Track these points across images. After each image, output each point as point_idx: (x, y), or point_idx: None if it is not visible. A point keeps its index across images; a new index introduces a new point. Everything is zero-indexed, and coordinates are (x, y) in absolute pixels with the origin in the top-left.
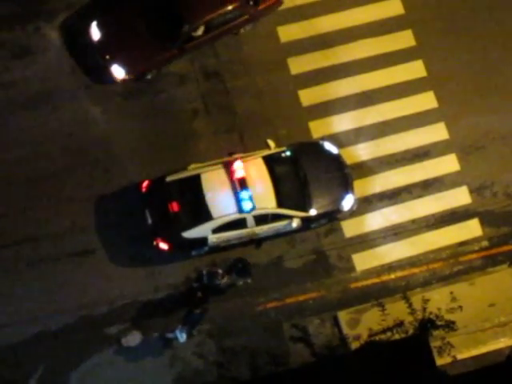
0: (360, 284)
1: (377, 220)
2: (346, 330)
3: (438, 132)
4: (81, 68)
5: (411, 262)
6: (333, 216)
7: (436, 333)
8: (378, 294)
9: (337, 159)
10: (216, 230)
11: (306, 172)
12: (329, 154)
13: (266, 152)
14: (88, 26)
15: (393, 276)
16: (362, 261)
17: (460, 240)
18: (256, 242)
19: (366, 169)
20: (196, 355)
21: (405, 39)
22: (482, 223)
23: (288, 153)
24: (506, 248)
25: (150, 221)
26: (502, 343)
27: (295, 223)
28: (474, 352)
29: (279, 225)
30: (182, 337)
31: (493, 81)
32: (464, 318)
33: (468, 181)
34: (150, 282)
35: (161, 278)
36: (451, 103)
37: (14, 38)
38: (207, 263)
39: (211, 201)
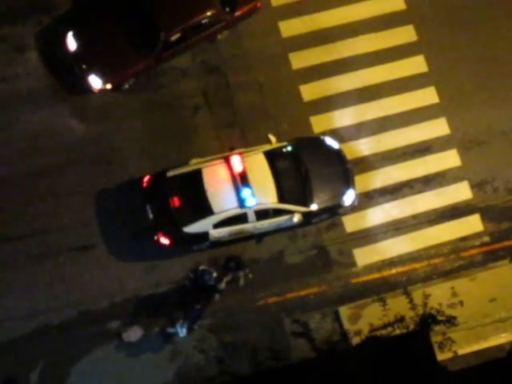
0: (361, 279)
1: (378, 215)
2: (346, 325)
3: (439, 127)
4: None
5: (412, 257)
6: (334, 211)
7: (437, 328)
8: (378, 289)
9: (338, 154)
10: (217, 225)
11: (307, 167)
12: (330, 148)
13: (267, 147)
14: (64, 36)
15: (394, 271)
16: (363, 256)
17: (461, 235)
18: (257, 237)
19: (367, 164)
20: (197, 350)
21: (406, 34)
22: (483, 218)
23: (289, 148)
24: (507, 243)
25: (150, 216)
26: (502, 338)
27: (296, 218)
28: (475, 347)
29: (280, 220)
30: (183, 331)
31: (494, 76)
32: (465, 314)
33: (469, 176)
34: (151, 277)
35: (162, 273)
36: (452, 98)
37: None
38: (208, 258)
39: (212, 196)
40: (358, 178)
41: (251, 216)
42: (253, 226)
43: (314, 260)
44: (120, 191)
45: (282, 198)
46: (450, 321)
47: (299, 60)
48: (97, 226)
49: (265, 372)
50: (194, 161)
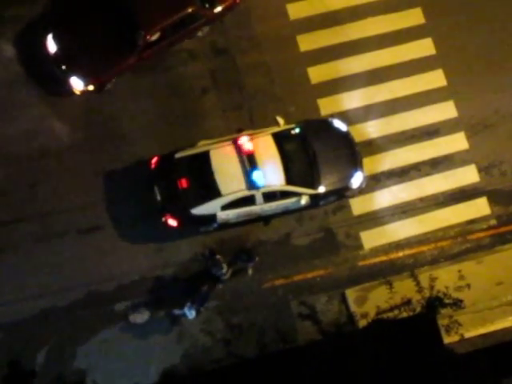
0: (368, 262)
1: (385, 198)
2: (353, 307)
3: (446, 110)
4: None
5: (419, 240)
6: (341, 193)
7: (444, 311)
8: (385, 271)
9: (346, 137)
10: (225, 207)
11: (314, 149)
12: (338, 131)
13: (275, 129)
14: (44, 38)
15: (401, 254)
16: (370, 238)
17: (468, 218)
18: (264, 219)
19: (374, 146)
20: (204, 332)
21: (414, 17)
22: (491, 202)
23: (297, 130)
24: None
25: (158, 197)
26: (509, 321)
27: (304, 200)
28: (482, 330)
29: (288, 202)
30: (191, 314)
31: (502, 59)
32: (472, 297)
33: (476, 159)
34: (159, 259)
35: (169, 255)
36: (460, 81)
37: None
38: (215, 240)
39: (220, 177)
40: (365, 161)
41: (259, 198)
42: (260, 208)
43: (321, 242)
44: (128, 173)
45: (289, 180)
46: (457, 304)
47: (307, 42)
48: (105, 207)
49: (271, 354)
50: (202, 142)
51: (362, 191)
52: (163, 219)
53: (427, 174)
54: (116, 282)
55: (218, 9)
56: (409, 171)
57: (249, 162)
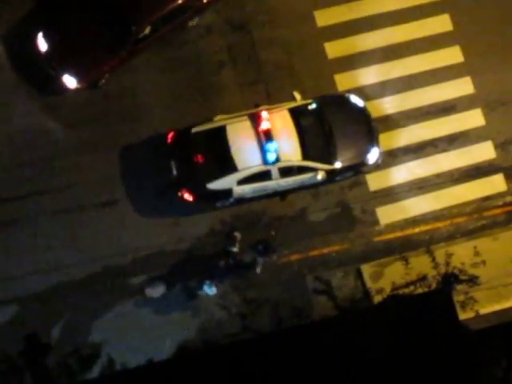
0: (384, 237)
1: (401, 174)
2: (369, 283)
3: (463, 86)
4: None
5: (435, 216)
6: (358, 169)
7: (459, 287)
8: (401, 247)
9: (362, 112)
10: (241, 182)
11: (331, 125)
12: (354, 106)
13: (292, 104)
14: (34, 37)
15: (417, 230)
16: (386, 214)
17: (484, 195)
18: (281, 194)
19: (391, 122)
20: (219, 306)
21: None
22: (507, 178)
23: (314, 105)
24: None
25: (175, 172)
26: None
27: (320, 176)
28: (497, 307)
29: (304, 177)
30: (212, 290)
31: None
32: (487, 273)
33: (493, 136)
34: (174, 233)
35: (185, 229)
36: (477, 58)
37: None
38: (231, 214)
39: (236, 152)
40: (382, 137)
41: (275, 173)
42: (276, 183)
43: (337, 218)
44: (144, 147)
45: (306, 156)
46: (473, 280)
47: (324, 17)
48: (121, 181)
49: (287, 329)
50: (218, 117)
51: (378, 167)
52: (179, 194)
53: (443, 150)
54: (132, 256)
55: None
56: (425, 147)
57: (265, 136)
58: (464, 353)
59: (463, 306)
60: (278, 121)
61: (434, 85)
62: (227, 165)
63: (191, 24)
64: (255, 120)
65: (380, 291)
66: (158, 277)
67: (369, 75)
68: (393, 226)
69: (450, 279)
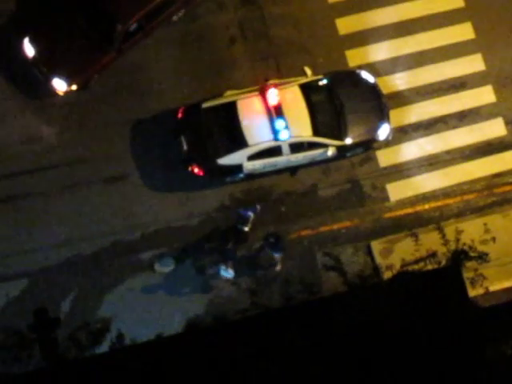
0: (394, 214)
1: (412, 150)
2: (378, 259)
3: (474, 63)
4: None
5: (445, 192)
6: (368, 145)
7: (469, 264)
8: (411, 224)
9: (373, 88)
10: (251, 157)
11: (342, 101)
12: (365, 83)
13: (303, 80)
14: (20, 42)
15: (427, 206)
16: (396, 191)
17: (495, 172)
18: (291, 169)
19: (402, 98)
20: (229, 282)
21: None
22: None
23: (324, 81)
24: None
25: (185, 147)
26: None
27: (330, 152)
28: (507, 284)
29: (314, 153)
30: (230, 273)
31: None
32: (497, 250)
33: (504, 113)
34: (184, 208)
35: (195, 205)
36: (488, 34)
37: None
38: (241, 190)
39: (247, 128)
40: (392, 113)
41: (285, 149)
42: (287, 158)
43: (347, 194)
44: (155, 122)
45: (316, 132)
46: (482, 257)
47: None
48: (131, 156)
49: (296, 305)
50: (229, 92)
51: (388, 143)
52: (189, 169)
53: (454, 127)
54: (142, 231)
55: None
56: (435, 124)
57: (276, 112)
58: (473, 330)
59: (473, 282)
60: (289, 97)
61: (445, 61)
62: (237, 140)
63: (175, 18)
64: (266, 96)
65: (390, 267)
66: (167, 252)
67: (380, 51)
68: (403, 203)
69: (459, 256)
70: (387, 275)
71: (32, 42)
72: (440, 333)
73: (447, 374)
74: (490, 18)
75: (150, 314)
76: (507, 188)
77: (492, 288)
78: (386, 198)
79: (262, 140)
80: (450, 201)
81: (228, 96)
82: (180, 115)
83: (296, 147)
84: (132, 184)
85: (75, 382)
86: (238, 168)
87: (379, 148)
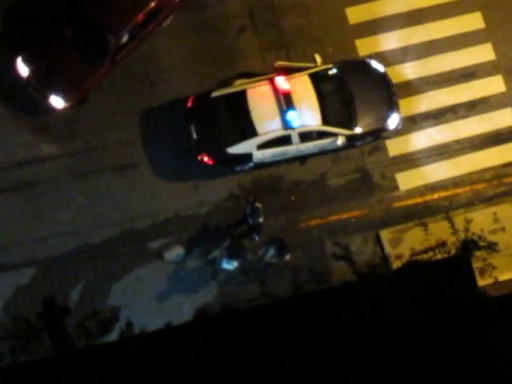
0: (403, 203)
1: (421, 139)
2: (387, 248)
3: (484, 53)
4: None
5: (455, 182)
6: (378, 134)
7: (478, 254)
8: (420, 213)
9: (383, 77)
10: (261, 146)
11: (351, 90)
12: (375, 72)
13: (312, 69)
14: (13, 62)
15: (436, 196)
16: (406, 180)
17: (504, 161)
18: (300, 158)
19: (411, 88)
20: (237, 271)
21: None
22: None
23: (334, 70)
24: None
25: (194, 136)
26: None
27: (340, 141)
28: None
29: (324, 142)
30: (232, 265)
31: None
32: (506, 240)
33: None
34: (194, 197)
35: (204, 193)
36: (499, 24)
37: None
38: (251, 179)
39: (256, 117)
40: (402, 102)
41: (295, 138)
42: (296, 148)
43: (357, 183)
44: (164, 111)
45: (326, 121)
46: (492, 247)
47: None
48: (140, 145)
49: (305, 294)
50: (238, 81)
51: (398, 132)
52: (199, 157)
53: (463, 117)
54: (151, 220)
55: None
56: (445, 113)
57: (285, 101)
58: (482, 319)
59: (482, 272)
60: (299, 86)
61: (455, 51)
62: (247, 129)
63: (165, 24)
64: (275, 85)
65: (399, 257)
66: (176, 241)
67: (390, 40)
68: (412, 192)
69: (469, 245)
70: (396, 265)
71: (25, 61)
72: (449, 322)
73: (456, 363)
74: (500, 8)
75: (159, 302)
76: None
77: (501, 278)
78: (396, 188)
79: (271, 129)
80: (459, 190)
81: (238, 85)
82: (190, 104)
83: (305, 136)
84: (141, 173)
85: (84, 370)
86: (248, 157)
87: (389, 137)
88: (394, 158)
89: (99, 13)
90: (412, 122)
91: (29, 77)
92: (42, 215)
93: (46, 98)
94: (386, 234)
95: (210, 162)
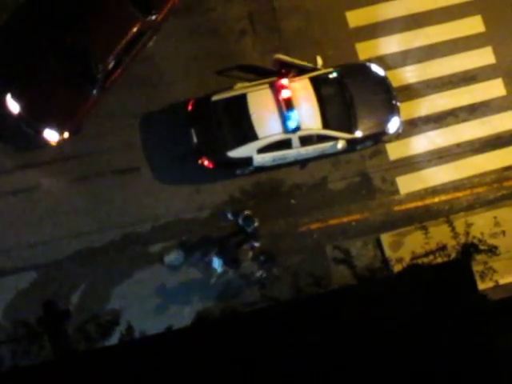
0: (403, 207)
1: (422, 143)
2: (388, 252)
3: (484, 56)
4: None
5: (455, 185)
6: (378, 138)
7: (478, 257)
8: (421, 217)
9: (383, 81)
10: (261, 150)
11: (352, 93)
12: (375, 75)
13: (313, 73)
14: (2, 100)
15: (436, 199)
16: (406, 184)
17: (505, 165)
18: (301, 162)
19: (412, 91)
20: (238, 275)
21: None
22: None
23: (334, 74)
24: None
25: (195, 140)
26: None
27: (340, 145)
28: None
29: (324, 146)
30: (219, 266)
31: None
32: (507, 243)
33: None
34: (194, 201)
35: (205, 197)
36: (499, 28)
37: None
38: (251, 182)
39: (257, 120)
40: (402, 106)
41: (295, 142)
42: (297, 151)
43: (357, 187)
44: (165, 114)
45: (326, 124)
46: (492, 250)
47: None
48: (141, 148)
49: (305, 298)
50: (239, 85)
51: (398, 136)
52: (199, 161)
53: (464, 120)
54: (151, 224)
55: (161, 16)
56: (446, 117)
57: (286, 105)
58: (482, 323)
59: (482, 276)
60: (299, 89)
61: (455, 54)
62: (248, 133)
63: (151, 44)
64: (276, 88)
65: (399, 260)
66: (177, 244)
67: (390, 44)
68: (413, 196)
69: (469, 249)
70: (397, 268)
71: (15, 98)
72: (449, 326)
73: (456, 366)
74: (500, 11)
75: (159, 306)
76: None
77: (502, 281)
78: (396, 191)
79: (272, 133)
80: (459, 194)
81: (238, 88)
82: (190, 108)
83: (306, 140)
84: (142, 176)
85: (85, 374)
86: (248, 161)
87: (389, 141)
88: (395, 161)
89: (84, 42)
90: (412, 126)
91: (20, 113)
92: (42, 219)
93: (39, 133)
94: (386, 238)
95: (211, 166)
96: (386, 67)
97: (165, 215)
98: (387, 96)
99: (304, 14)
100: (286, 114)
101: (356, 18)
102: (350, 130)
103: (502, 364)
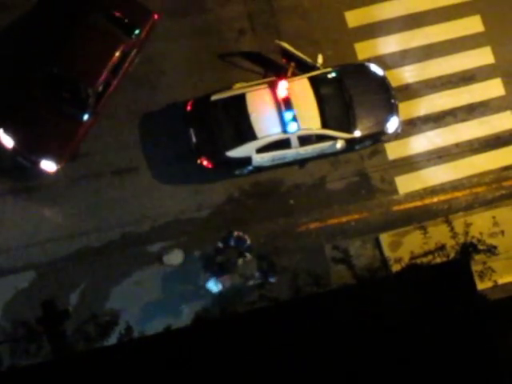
0: (402, 207)
1: (421, 143)
2: (387, 252)
3: (483, 56)
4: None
5: (454, 185)
6: (377, 138)
7: (477, 257)
8: (420, 217)
9: (382, 81)
10: (260, 150)
11: (351, 93)
12: (374, 75)
13: (312, 73)
14: None
15: (435, 199)
16: (405, 183)
17: (504, 165)
18: (300, 162)
19: (411, 91)
20: (237, 274)
21: None
22: None
23: (333, 74)
24: None
25: (194, 139)
26: None
27: (339, 144)
28: None
29: (323, 146)
30: (218, 287)
31: None
32: (506, 243)
33: None
34: (193, 201)
35: (204, 197)
36: (498, 27)
37: None
38: (250, 182)
39: (256, 120)
40: (401, 106)
41: (294, 141)
42: (295, 151)
43: (356, 187)
44: (164, 114)
45: (325, 124)
46: (491, 250)
47: None
48: (140, 148)
49: (304, 298)
50: (237, 85)
51: (397, 136)
52: (198, 161)
53: (463, 120)
54: (150, 224)
55: (143, 34)
56: (444, 117)
57: (285, 105)
58: (481, 323)
59: (481, 275)
60: (298, 89)
61: (454, 54)
62: (246, 133)
63: (137, 61)
64: (275, 88)
65: (398, 260)
66: (176, 244)
67: (389, 44)
68: (411, 195)
69: (468, 249)
70: (396, 268)
71: (7, 132)
72: (448, 326)
73: (455, 367)
74: (499, 11)
75: (158, 306)
76: None
77: (501, 281)
78: (395, 191)
79: (270, 133)
80: (458, 194)
81: (237, 88)
82: (189, 108)
83: (305, 140)
84: (141, 176)
85: (84, 374)
86: (247, 161)
87: (388, 141)
88: (394, 161)
89: (71, 70)
90: (411, 126)
91: (15, 147)
92: (41, 219)
93: (36, 164)
94: (385, 238)
95: (210, 166)
96: (385, 67)
97: (164, 215)
98: (386, 96)
99: (303, 14)
100: (284, 114)
101: (355, 17)
102: (349, 130)
103: (502, 364)
